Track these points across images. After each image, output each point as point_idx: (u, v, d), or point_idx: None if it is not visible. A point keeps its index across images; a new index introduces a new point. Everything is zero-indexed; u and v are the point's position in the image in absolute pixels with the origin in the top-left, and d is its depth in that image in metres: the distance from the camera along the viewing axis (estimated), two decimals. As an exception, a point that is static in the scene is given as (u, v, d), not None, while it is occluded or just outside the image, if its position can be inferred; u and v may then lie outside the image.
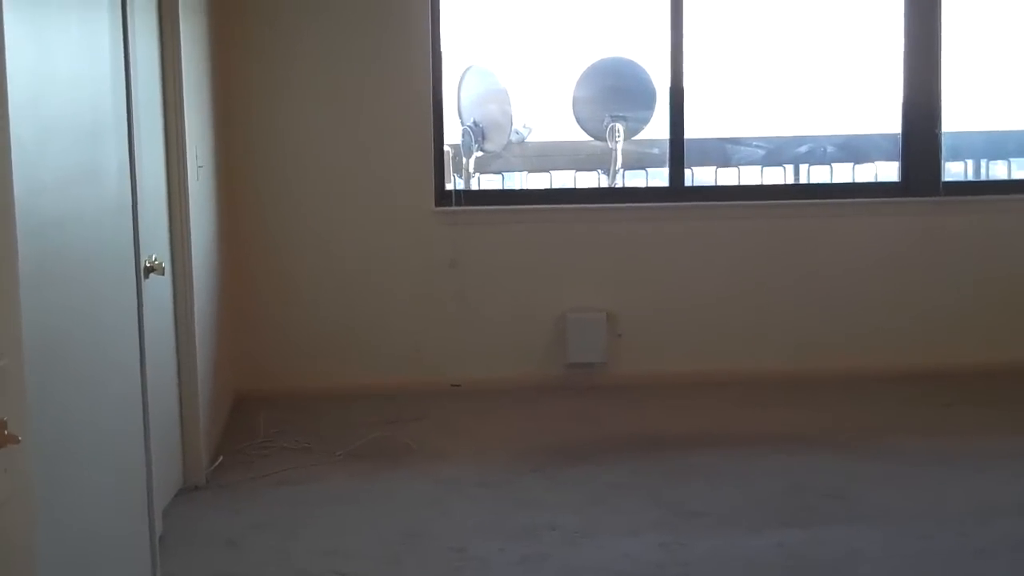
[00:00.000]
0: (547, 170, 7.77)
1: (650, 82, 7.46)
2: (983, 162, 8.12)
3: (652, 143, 7.56)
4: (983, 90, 7.51)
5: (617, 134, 7.53)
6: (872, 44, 7.33)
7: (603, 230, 6.96)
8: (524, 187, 7.69)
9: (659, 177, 7.34)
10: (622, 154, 7.57)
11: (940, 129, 7.01)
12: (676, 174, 7.02)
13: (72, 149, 3.11)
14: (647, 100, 7.49)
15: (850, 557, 4.53)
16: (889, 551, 4.58)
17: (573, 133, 7.70)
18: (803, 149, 8.07)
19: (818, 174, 7.93)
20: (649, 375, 6.90)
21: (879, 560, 4.51)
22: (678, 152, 6.99)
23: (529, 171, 7.81)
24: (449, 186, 7.00)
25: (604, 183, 7.69)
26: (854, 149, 8.02)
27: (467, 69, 7.46)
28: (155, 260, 4.09)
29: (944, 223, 7.07)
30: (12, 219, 2.06)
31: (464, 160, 7.39)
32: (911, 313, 7.05)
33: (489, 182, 7.69)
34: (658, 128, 7.27)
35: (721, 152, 7.99)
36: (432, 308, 6.89)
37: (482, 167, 7.63)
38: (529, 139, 7.85)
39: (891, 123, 7.17)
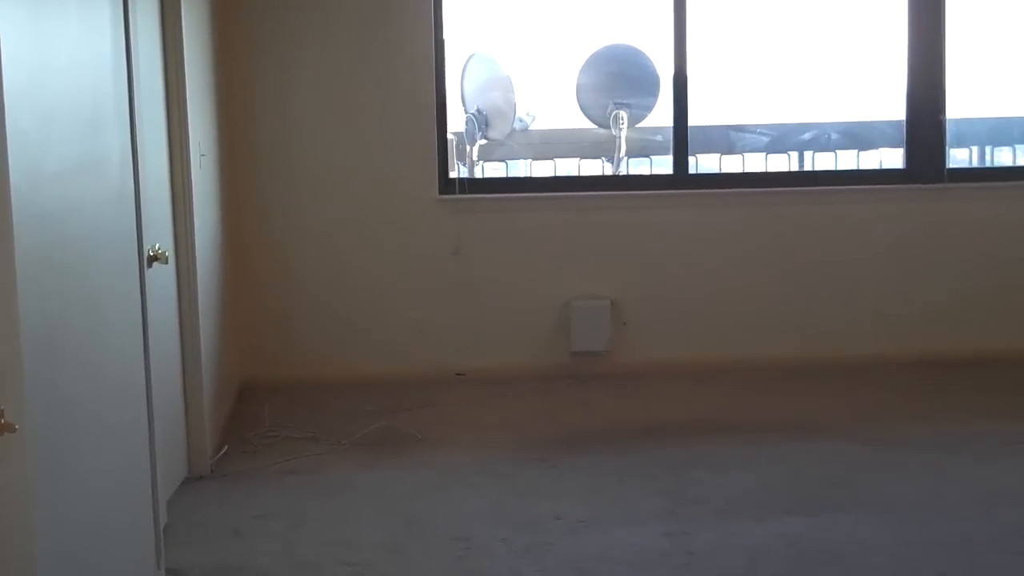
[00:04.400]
0: (551, 158, 7.76)
1: (654, 69, 7.44)
2: (988, 149, 8.10)
3: (656, 130, 7.54)
4: (987, 76, 7.49)
5: (621, 121, 7.52)
6: (876, 30, 7.30)
7: (607, 218, 6.95)
8: (528, 175, 7.68)
9: (663, 165, 7.32)
10: (626, 142, 7.55)
11: (944, 116, 6.98)
12: (680, 161, 7.00)
13: (73, 137, 3.10)
14: (651, 87, 7.47)
15: (853, 545, 4.52)
16: (892, 539, 4.57)
17: (577, 121, 7.68)
18: (807, 136, 8.06)
19: (822, 161, 7.92)
20: (653, 363, 6.89)
21: (882, 548, 4.50)
22: (682, 139, 6.97)
23: (533, 159, 7.80)
24: (453, 174, 6.99)
25: (608, 171, 7.68)
26: (858, 136, 8.00)
27: (470, 57, 7.45)
28: (158, 249, 4.09)
29: (949, 210, 7.05)
30: (8, 208, 2.06)
31: (468, 148, 7.38)
32: (915, 300, 7.04)
33: (493, 170, 7.68)
34: (662, 115, 7.25)
35: (725, 139, 7.98)
36: (436, 296, 6.88)
37: (486, 155, 7.62)
38: (533, 127, 7.84)
39: (895, 110, 7.14)
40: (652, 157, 7.68)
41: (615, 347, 6.94)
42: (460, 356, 6.91)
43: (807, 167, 7.90)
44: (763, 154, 7.96)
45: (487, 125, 7.50)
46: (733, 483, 5.20)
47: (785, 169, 7.82)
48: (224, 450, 5.67)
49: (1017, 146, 8.15)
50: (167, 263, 4.29)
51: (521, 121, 7.74)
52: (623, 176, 7.57)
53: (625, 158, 7.61)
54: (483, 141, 7.53)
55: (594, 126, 7.68)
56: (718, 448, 5.65)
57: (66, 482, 2.90)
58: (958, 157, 7.73)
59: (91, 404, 3.16)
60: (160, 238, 4.50)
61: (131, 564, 3.64)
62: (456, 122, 7.19)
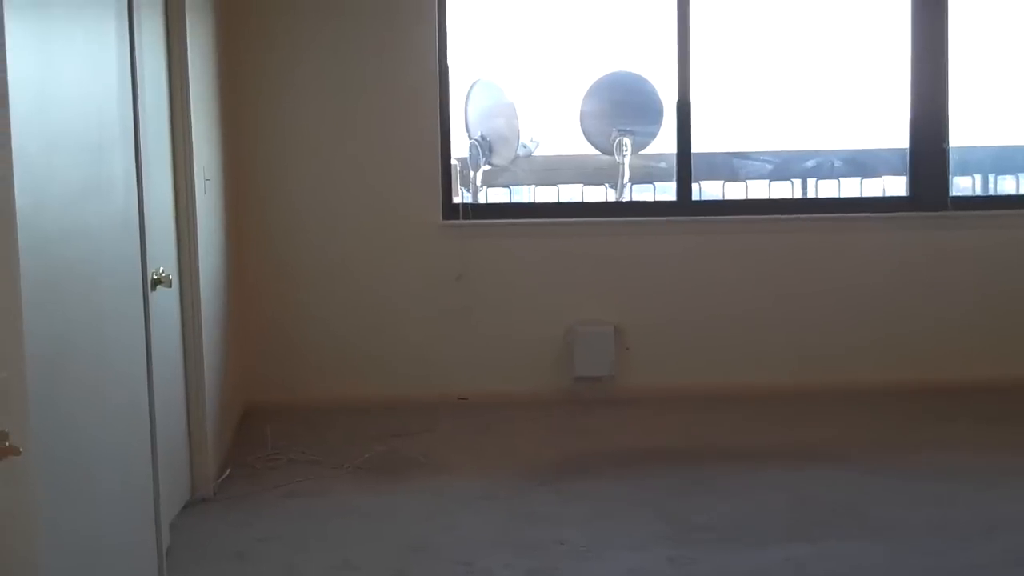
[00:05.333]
0: (554, 184, 7.76)
1: (657, 96, 7.46)
2: (991, 177, 8.11)
3: (659, 157, 7.55)
4: (991, 104, 7.50)
5: (624, 148, 7.53)
6: (879, 58, 7.32)
7: (611, 244, 6.96)
8: (531, 201, 7.69)
9: (667, 191, 7.33)
10: (629, 168, 7.56)
11: (948, 144, 7.00)
12: (684, 188, 7.02)
13: (79, 162, 3.12)
14: (654, 114, 7.49)
15: (856, 572, 4.52)
16: (895, 566, 4.57)
17: (580, 147, 7.70)
18: (811, 163, 8.06)
19: (826, 189, 7.92)
20: (657, 389, 6.88)
21: (885, 575, 4.50)
22: (685, 166, 6.99)
23: (536, 185, 7.81)
24: (456, 200, 7.01)
25: (612, 197, 7.69)
26: (862, 164, 8.01)
27: (474, 83, 7.47)
28: (162, 273, 4.10)
29: (952, 238, 7.05)
30: (14, 231, 2.07)
31: (471, 174, 7.39)
32: (918, 328, 7.03)
33: (496, 196, 7.68)
34: (665, 142, 7.27)
35: (728, 166, 7.99)
36: (439, 321, 6.89)
37: (489, 181, 7.63)
38: (536, 153, 7.85)
39: (899, 137, 7.16)
40: (656, 184, 7.69)
41: (618, 372, 6.93)
42: (463, 381, 6.91)
43: (810, 194, 7.90)
44: (766, 181, 7.97)
45: (491, 151, 7.52)
46: (736, 509, 5.19)
47: (788, 196, 7.83)
48: (227, 473, 5.67)
49: (1020, 174, 8.15)
50: (171, 287, 4.30)
51: (525, 147, 7.76)
52: (626, 202, 7.58)
53: (629, 184, 7.62)
54: (487, 167, 7.55)
55: (598, 153, 7.69)
56: (721, 474, 5.65)
57: (69, 504, 2.90)
58: (961, 185, 7.74)
59: (95, 427, 3.17)
60: (164, 262, 4.52)
61: (133, 587, 3.64)
62: (460, 148, 7.20)
